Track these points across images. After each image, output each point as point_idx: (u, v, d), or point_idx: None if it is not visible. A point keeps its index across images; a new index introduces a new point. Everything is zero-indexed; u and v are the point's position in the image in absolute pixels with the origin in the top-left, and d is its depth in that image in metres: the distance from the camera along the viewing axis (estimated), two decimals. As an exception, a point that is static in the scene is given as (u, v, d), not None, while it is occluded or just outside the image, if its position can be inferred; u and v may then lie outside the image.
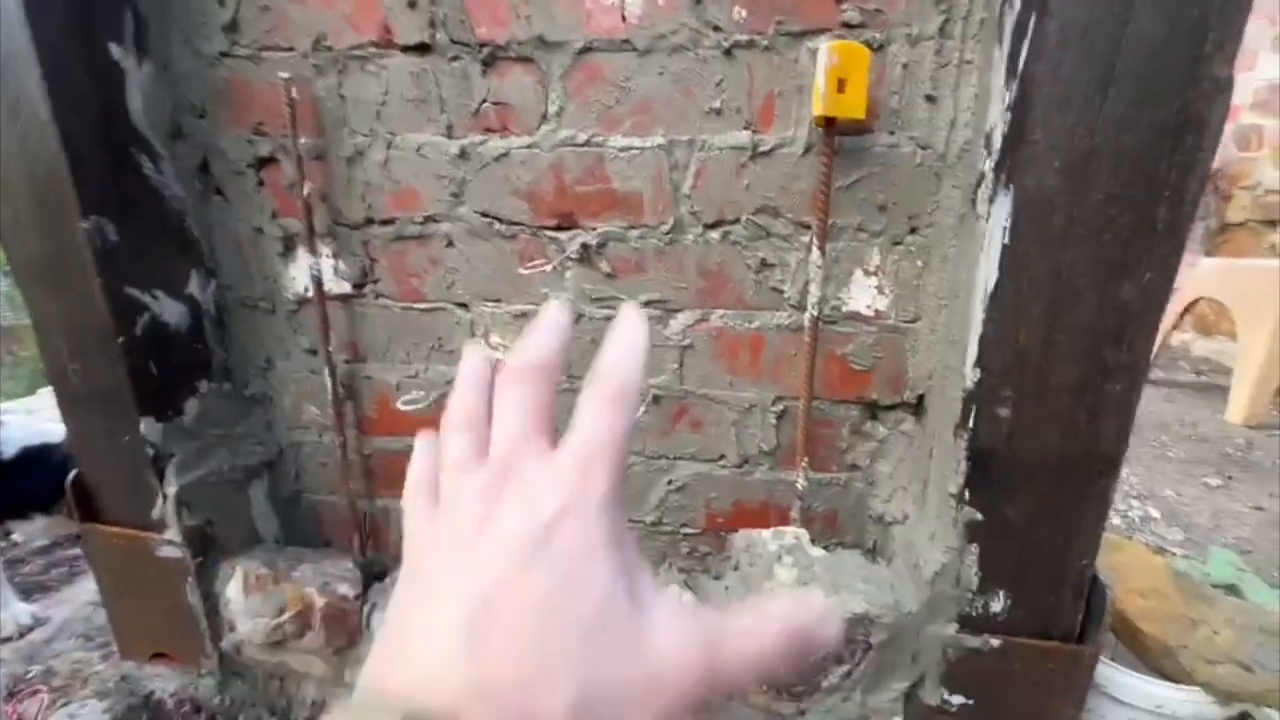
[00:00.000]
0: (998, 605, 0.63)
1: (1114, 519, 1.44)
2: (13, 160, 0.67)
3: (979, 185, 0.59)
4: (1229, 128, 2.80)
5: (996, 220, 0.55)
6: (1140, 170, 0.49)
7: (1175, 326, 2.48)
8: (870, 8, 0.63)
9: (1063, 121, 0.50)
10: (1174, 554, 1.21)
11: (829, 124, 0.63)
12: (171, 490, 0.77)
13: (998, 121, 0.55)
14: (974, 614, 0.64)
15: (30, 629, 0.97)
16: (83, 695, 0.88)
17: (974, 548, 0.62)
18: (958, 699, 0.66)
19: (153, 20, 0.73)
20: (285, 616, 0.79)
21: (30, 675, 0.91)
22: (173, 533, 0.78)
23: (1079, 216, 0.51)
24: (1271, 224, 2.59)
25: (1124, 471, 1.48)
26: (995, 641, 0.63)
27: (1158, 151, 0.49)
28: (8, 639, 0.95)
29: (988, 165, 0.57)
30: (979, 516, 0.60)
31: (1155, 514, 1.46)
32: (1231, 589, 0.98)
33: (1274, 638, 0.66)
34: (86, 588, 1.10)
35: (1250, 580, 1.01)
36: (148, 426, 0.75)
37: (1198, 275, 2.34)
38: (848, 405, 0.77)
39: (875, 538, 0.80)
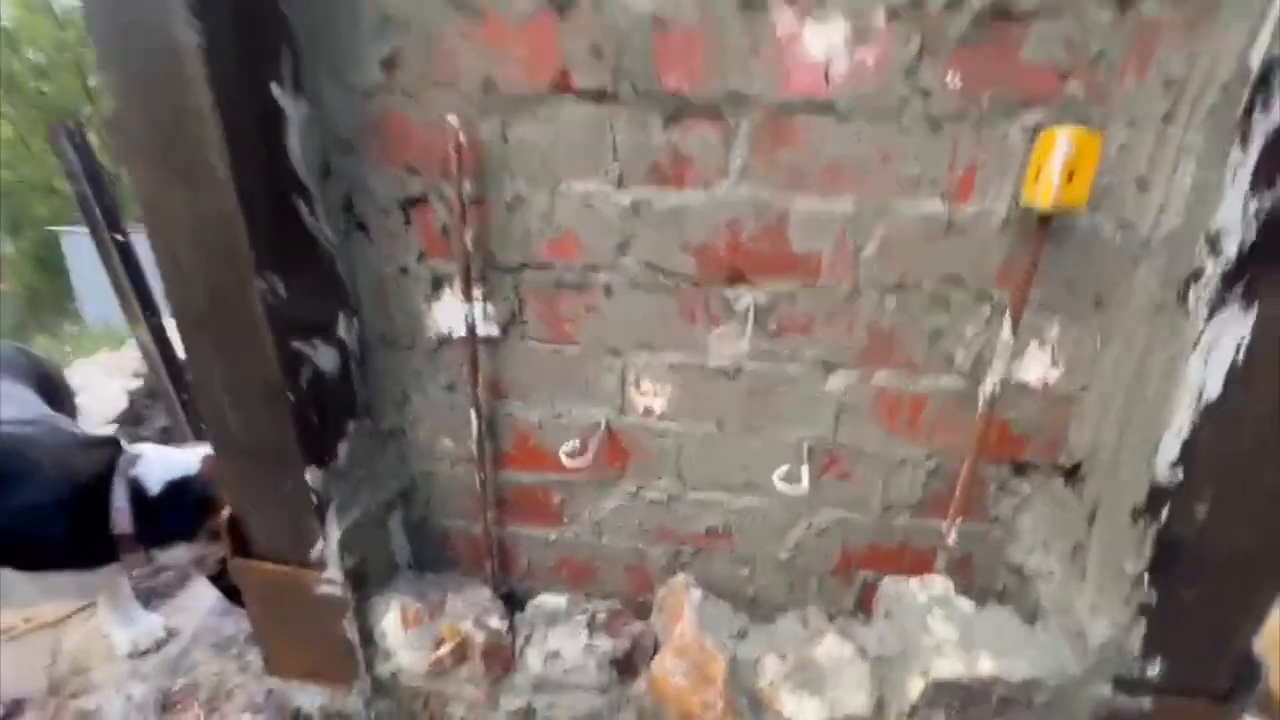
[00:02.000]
0: (1154, 670, 0.68)
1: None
2: (181, 216, 0.63)
3: (1192, 281, 0.59)
4: None
5: (1227, 332, 0.55)
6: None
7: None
8: (1097, 83, 0.60)
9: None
10: None
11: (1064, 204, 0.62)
12: (335, 535, 0.78)
13: (1234, 226, 0.54)
14: (1131, 676, 0.68)
15: (165, 642, 1.00)
16: (234, 709, 0.92)
17: (1143, 621, 0.65)
18: (1102, 748, 0.72)
19: (306, 54, 0.68)
20: (445, 650, 0.82)
21: (176, 689, 0.95)
22: (333, 572, 0.80)
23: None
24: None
25: None
26: (1148, 703, 0.68)
27: None
28: (146, 653, 0.98)
29: (1212, 266, 0.57)
30: (1156, 598, 0.64)
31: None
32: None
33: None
34: (201, 594, 1.13)
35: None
36: (312, 475, 0.75)
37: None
38: (1000, 464, 0.79)
39: (1006, 582, 0.84)
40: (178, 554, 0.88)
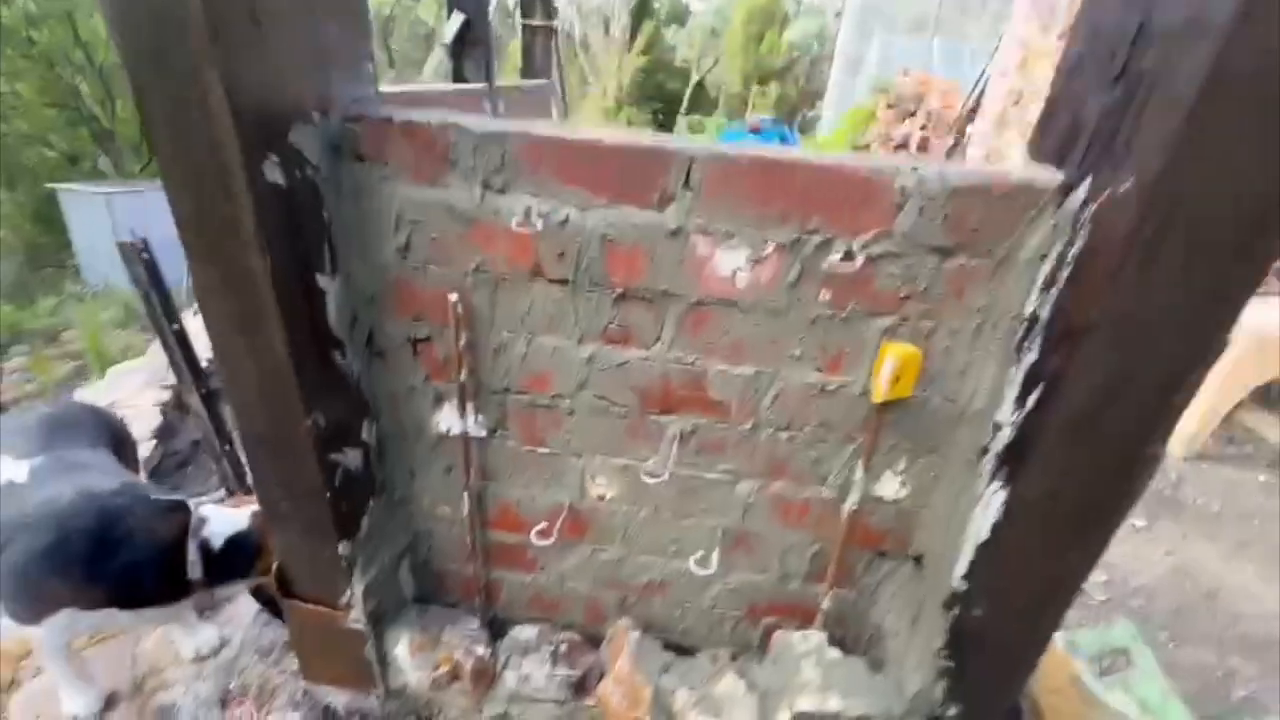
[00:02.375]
0: (951, 713, 0.94)
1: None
2: (249, 369, 0.85)
3: (983, 452, 0.82)
4: None
5: (996, 496, 0.79)
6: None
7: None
8: (927, 306, 0.82)
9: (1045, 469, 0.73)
10: (1081, 626, 1.54)
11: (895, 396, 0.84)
12: (359, 589, 1.03)
13: (1006, 423, 0.77)
14: (936, 717, 0.94)
15: (220, 648, 1.26)
16: (279, 705, 1.18)
17: (944, 680, 0.91)
18: (918, 761, 0.99)
19: (340, 245, 0.88)
20: (441, 671, 1.08)
21: (233, 688, 1.21)
22: (357, 614, 1.05)
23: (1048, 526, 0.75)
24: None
25: None
26: (949, 733, 0.95)
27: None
28: (205, 658, 1.24)
29: (994, 446, 0.80)
30: (951, 665, 0.89)
31: (1087, 555, 1.80)
32: (1125, 653, 1.33)
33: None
34: (244, 607, 1.38)
35: (1139, 647, 1.35)
36: (343, 546, 0.99)
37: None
38: (864, 550, 1.03)
39: (869, 636, 1.10)
40: (235, 589, 1.13)
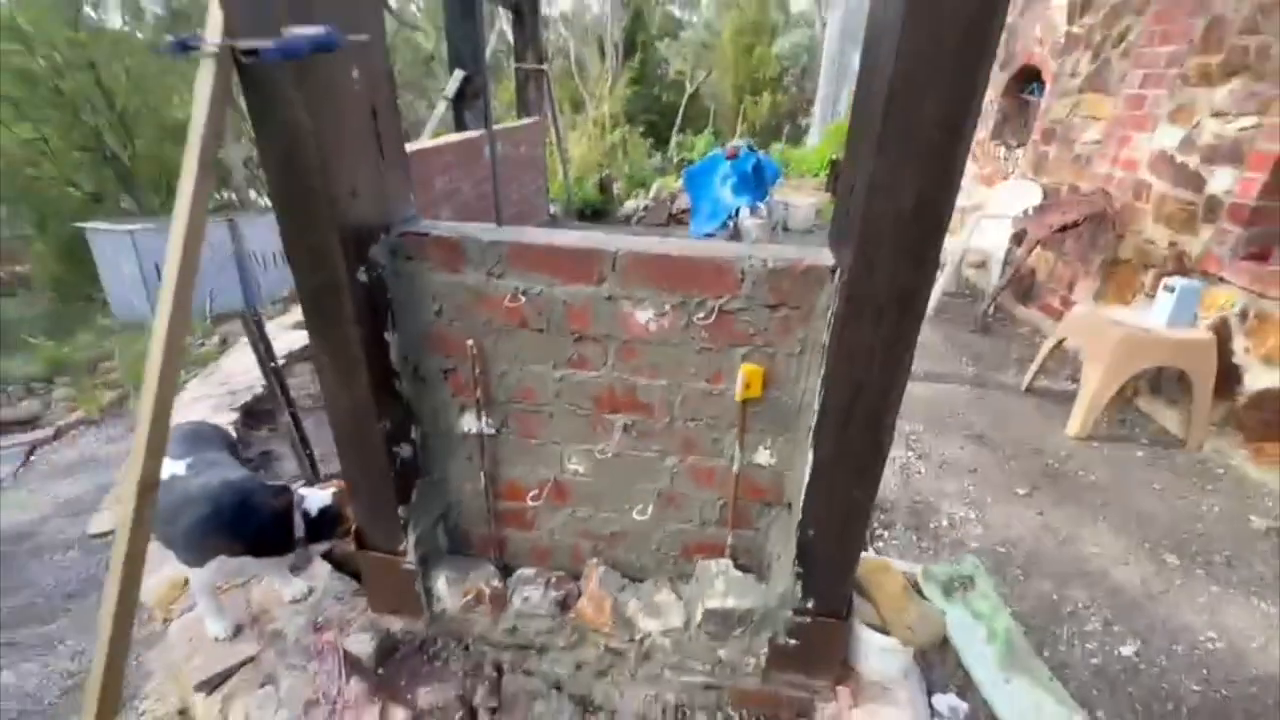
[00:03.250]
0: (809, 604, 1.41)
1: (943, 520, 2.25)
2: (344, 402, 1.35)
3: (809, 431, 1.30)
4: (1129, 177, 3.40)
5: (809, 464, 1.27)
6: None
7: (1045, 361, 3.21)
8: (765, 339, 1.30)
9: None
10: (923, 555, 2.01)
11: (749, 397, 1.33)
12: (412, 539, 1.52)
13: (815, 411, 1.25)
14: (799, 607, 1.42)
15: (308, 594, 1.75)
16: (354, 629, 1.67)
17: (798, 582, 1.39)
18: (793, 642, 1.46)
19: (399, 313, 1.38)
20: (469, 598, 1.57)
21: (320, 620, 1.70)
22: (410, 558, 1.54)
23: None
24: (1146, 267, 3.26)
25: (965, 482, 2.35)
26: (807, 619, 1.42)
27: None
28: (298, 600, 1.73)
29: (812, 425, 1.28)
30: (801, 570, 1.37)
31: (972, 516, 2.27)
32: (970, 579, 1.80)
33: (935, 624, 1.46)
34: (318, 568, 1.87)
35: (982, 574, 1.82)
36: (401, 511, 1.48)
37: (1065, 322, 3.06)
38: (753, 501, 1.51)
39: (764, 561, 1.58)
40: (322, 546, 1.63)
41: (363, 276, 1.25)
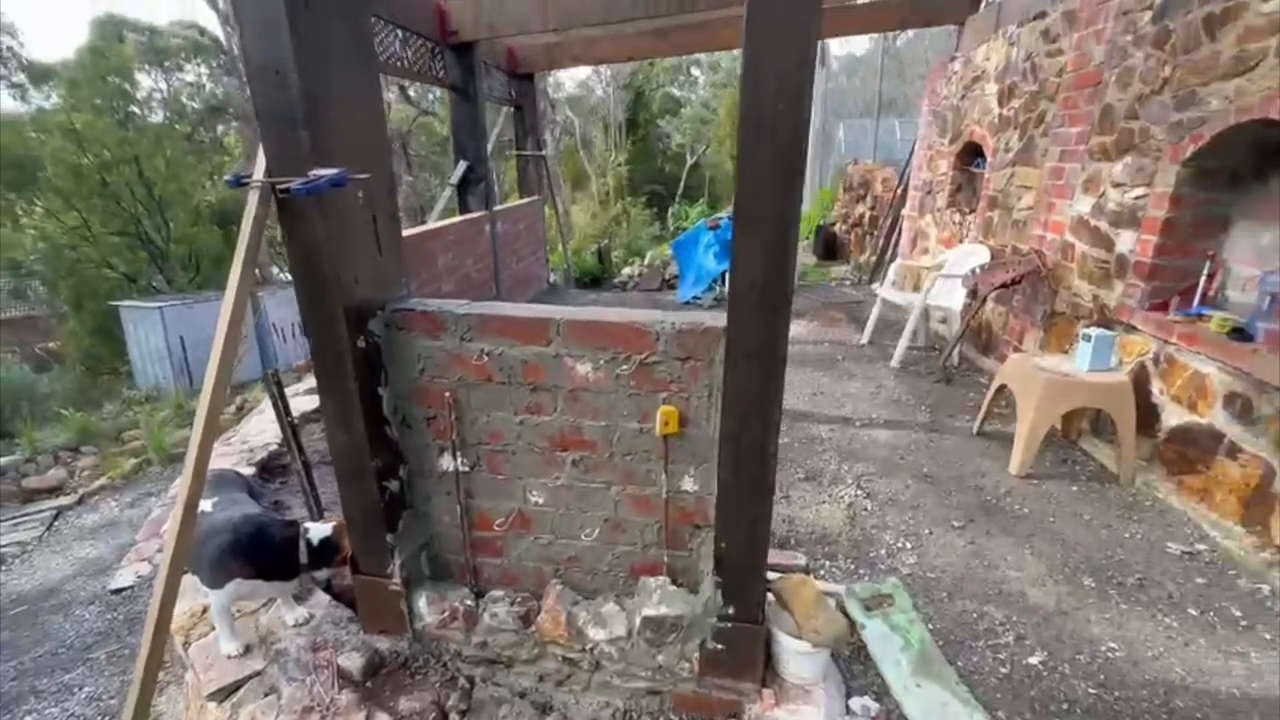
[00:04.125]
0: (729, 612, 1.66)
1: (881, 551, 2.47)
2: (345, 443, 1.67)
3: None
4: (1057, 239, 3.78)
5: (718, 485, 1.56)
6: (753, 475, 1.51)
7: (992, 406, 3.49)
8: (680, 385, 1.62)
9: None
10: (859, 581, 2.23)
11: (668, 433, 1.63)
12: (398, 563, 1.80)
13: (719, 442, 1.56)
14: (721, 614, 1.66)
15: (308, 620, 2.01)
16: (346, 650, 1.92)
17: (719, 590, 1.64)
18: (719, 647, 1.69)
19: (390, 372, 1.72)
20: (445, 615, 1.82)
21: (317, 641, 1.95)
22: (396, 580, 1.81)
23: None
24: (1078, 318, 3.58)
25: (906, 516, 2.62)
26: (729, 625, 1.66)
27: (757, 470, 1.50)
28: (300, 625, 1.99)
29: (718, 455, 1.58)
30: (720, 580, 1.63)
31: (909, 546, 2.49)
32: (890, 597, 2.03)
33: (839, 625, 1.69)
34: (318, 598, 2.13)
35: (900, 592, 2.05)
36: (389, 538, 1.77)
37: (1003, 370, 3.36)
38: (684, 524, 1.78)
39: (696, 578, 1.83)
40: (323, 573, 1.90)
41: (362, 343, 1.61)
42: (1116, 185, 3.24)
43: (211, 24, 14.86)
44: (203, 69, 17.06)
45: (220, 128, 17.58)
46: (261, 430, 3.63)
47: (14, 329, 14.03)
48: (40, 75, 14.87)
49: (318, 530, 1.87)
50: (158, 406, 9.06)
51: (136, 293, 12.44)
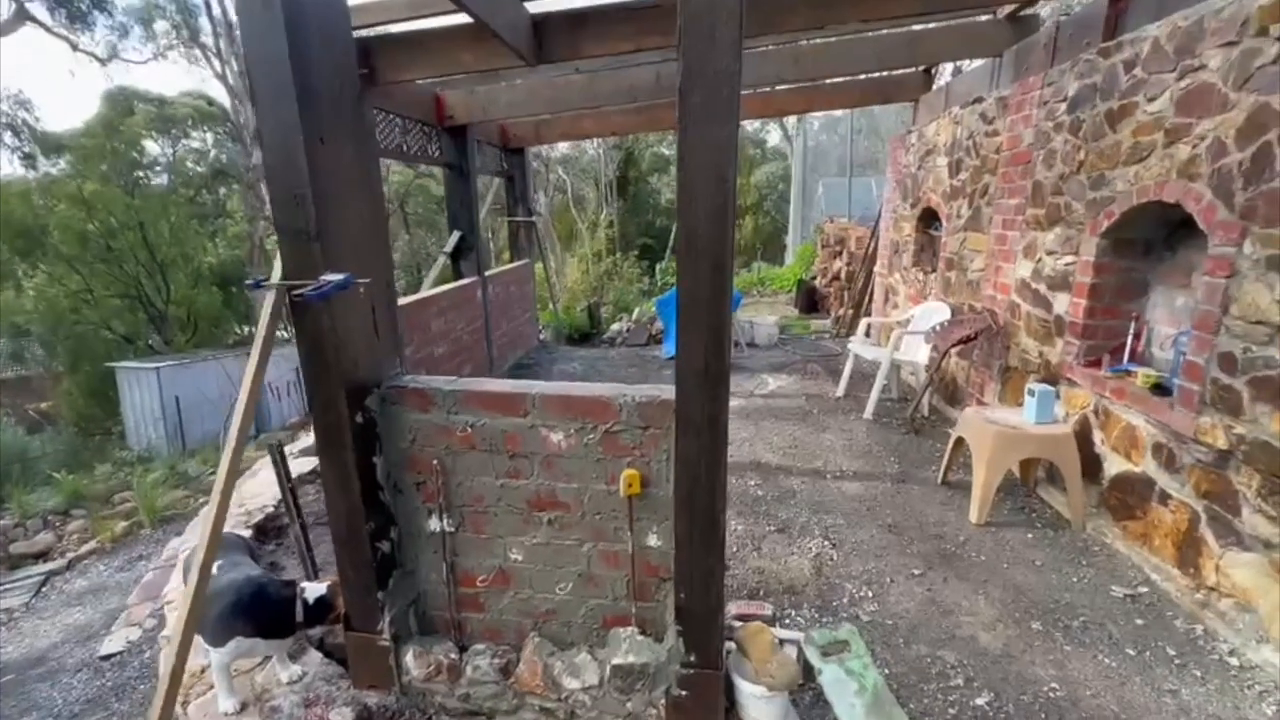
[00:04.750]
0: (691, 659, 1.81)
1: (844, 599, 2.63)
2: (342, 508, 1.86)
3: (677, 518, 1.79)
4: (1005, 299, 4.07)
5: (675, 540, 1.75)
6: (705, 531, 1.70)
7: (953, 457, 3.70)
8: (641, 451, 1.83)
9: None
10: (818, 627, 2.38)
11: (632, 494, 1.83)
12: (387, 621, 1.95)
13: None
14: (684, 661, 1.82)
15: (301, 678, 2.13)
16: (336, 706, 2.03)
17: (680, 638, 1.80)
18: (683, 693, 1.83)
19: (384, 442, 1.93)
20: (430, 669, 1.96)
21: (309, 697, 2.07)
22: (386, 636, 1.96)
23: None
24: (1028, 373, 3.83)
25: (869, 565, 2.80)
26: (691, 671, 1.82)
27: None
28: (293, 682, 2.11)
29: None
30: (680, 628, 1.79)
31: (870, 594, 2.65)
32: (845, 643, 2.18)
33: (790, 669, 1.85)
34: (312, 656, 2.26)
35: (856, 639, 2.21)
36: (380, 596, 1.93)
37: (959, 423, 3.59)
38: (651, 578, 1.95)
39: (662, 627, 1.98)
40: (317, 630, 2.04)
41: (359, 418, 1.82)
42: (1050, 253, 3.56)
43: (219, 94, 15.65)
44: (208, 135, 17.85)
45: (222, 190, 18.23)
46: (258, 493, 3.78)
47: (7, 390, 14.10)
48: (51, 146, 15.51)
49: (313, 590, 2.02)
50: (150, 468, 9.10)
51: (134, 353, 12.62)
